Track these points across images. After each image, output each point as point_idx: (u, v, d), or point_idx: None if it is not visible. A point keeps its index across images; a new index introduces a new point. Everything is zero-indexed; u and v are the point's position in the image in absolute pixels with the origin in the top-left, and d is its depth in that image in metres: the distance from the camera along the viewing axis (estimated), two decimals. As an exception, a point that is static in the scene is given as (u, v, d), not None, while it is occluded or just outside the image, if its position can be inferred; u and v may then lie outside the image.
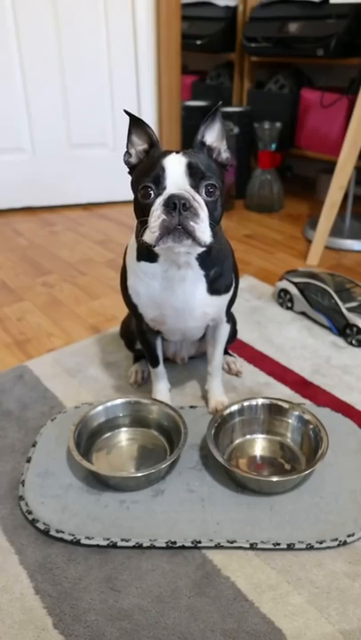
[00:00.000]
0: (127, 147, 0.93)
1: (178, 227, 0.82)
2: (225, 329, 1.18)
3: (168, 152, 0.87)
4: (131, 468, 1.07)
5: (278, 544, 0.90)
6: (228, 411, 1.12)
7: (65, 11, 2.31)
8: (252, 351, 1.46)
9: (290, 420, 1.13)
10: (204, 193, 0.85)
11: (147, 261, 0.98)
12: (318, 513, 0.95)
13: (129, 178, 0.93)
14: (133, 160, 0.92)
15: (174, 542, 0.90)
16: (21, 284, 1.90)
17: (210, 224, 0.84)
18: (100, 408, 1.14)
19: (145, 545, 0.90)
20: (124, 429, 1.16)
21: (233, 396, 1.25)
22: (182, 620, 0.79)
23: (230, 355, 1.39)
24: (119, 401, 1.16)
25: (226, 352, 1.33)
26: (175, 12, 2.45)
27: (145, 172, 0.86)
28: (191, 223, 0.82)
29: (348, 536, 0.91)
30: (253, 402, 1.15)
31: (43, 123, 2.48)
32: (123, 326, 1.36)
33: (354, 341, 1.47)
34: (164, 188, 0.83)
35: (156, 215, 0.82)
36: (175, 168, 0.84)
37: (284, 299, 1.68)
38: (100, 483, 1.02)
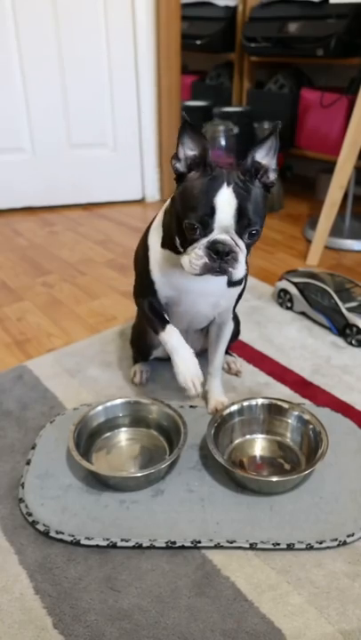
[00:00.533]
0: (177, 150, 0.87)
1: (217, 269, 0.85)
2: (230, 328, 1.19)
3: (219, 180, 0.83)
4: (130, 468, 1.07)
5: (278, 544, 0.90)
6: (227, 411, 1.12)
7: (65, 11, 2.31)
8: (251, 351, 1.46)
9: (289, 420, 1.13)
10: (246, 237, 0.86)
11: (171, 251, 0.98)
12: (318, 513, 0.95)
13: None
14: (181, 167, 0.88)
15: (174, 542, 0.90)
16: (21, 283, 1.90)
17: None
18: (99, 408, 1.14)
19: (145, 545, 0.90)
20: (123, 429, 1.16)
21: (233, 396, 1.25)
22: (182, 620, 0.79)
23: (230, 354, 1.39)
24: (119, 401, 1.16)
25: (226, 352, 1.33)
26: (175, 11, 2.45)
27: (193, 206, 0.84)
28: (230, 269, 0.85)
29: (348, 536, 0.91)
30: (253, 402, 1.15)
31: (43, 123, 2.48)
32: (134, 336, 1.35)
33: (354, 341, 1.47)
34: (211, 231, 0.84)
35: (199, 255, 0.85)
36: (224, 211, 0.82)
37: (283, 299, 1.68)
38: (99, 483, 1.02)
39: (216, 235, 0.84)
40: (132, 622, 0.79)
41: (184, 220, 0.85)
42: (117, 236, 2.34)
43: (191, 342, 1.32)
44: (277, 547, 0.89)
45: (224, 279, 1.01)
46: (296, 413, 1.12)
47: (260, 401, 1.15)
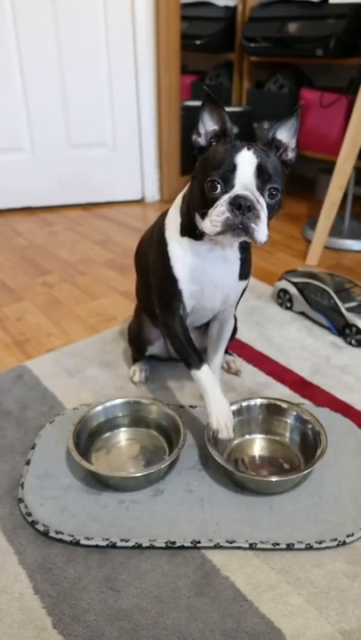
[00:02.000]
0: (198, 126, 0.90)
1: (239, 225, 0.85)
2: (231, 326, 1.19)
3: (240, 146, 0.86)
4: (130, 467, 1.07)
5: (278, 544, 0.90)
6: None
7: (64, 10, 2.31)
8: (251, 351, 1.46)
9: (288, 420, 1.13)
10: (267, 195, 0.87)
11: (191, 238, 0.99)
12: (318, 513, 0.95)
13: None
14: (202, 141, 0.90)
15: (174, 542, 0.90)
16: (21, 284, 1.90)
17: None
18: (99, 408, 1.14)
19: (144, 545, 0.90)
20: (123, 429, 1.16)
21: (232, 396, 1.25)
22: (182, 620, 0.79)
23: (230, 354, 1.39)
24: (118, 401, 1.16)
25: (225, 351, 1.33)
26: (174, 11, 2.45)
27: (215, 165, 0.86)
28: (252, 225, 0.85)
29: (348, 536, 0.91)
30: (252, 402, 1.15)
31: (42, 123, 2.48)
32: (130, 333, 1.35)
33: (353, 341, 1.48)
34: (232, 187, 0.85)
35: (220, 211, 0.85)
36: (245, 168, 0.84)
37: (283, 299, 1.68)
38: (99, 483, 1.02)
39: (238, 190, 0.85)
40: (132, 622, 0.79)
41: (205, 181, 0.86)
42: (117, 235, 2.34)
43: None
44: (277, 547, 0.90)
45: (236, 271, 1.03)
46: (295, 413, 1.12)
47: (258, 401, 1.15)
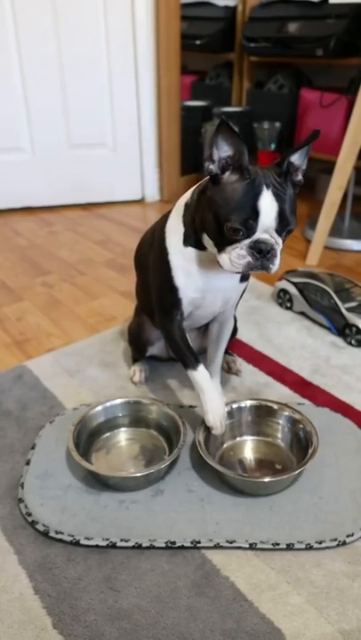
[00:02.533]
0: (211, 152, 0.87)
1: (258, 266, 0.88)
2: (230, 326, 1.20)
3: (258, 184, 0.84)
4: (130, 468, 1.07)
5: (278, 544, 0.90)
6: None
7: (64, 10, 2.31)
8: (251, 351, 1.46)
9: (280, 421, 1.13)
10: (283, 236, 0.88)
11: (194, 248, 0.99)
12: (318, 513, 0.95)
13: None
14: (215, 169, 0.87)
15: (174, 542, 0.90)
16: (21, 284, 1.90)
17: None
18: (99, 408, 1.14)
19: (144, 545, 0.90)
20: (123, 429, 1.16)
21: (232, 396, 1.25)
22: (182, 620, 0.79)
23: (230, 354, 1.39)
24: (118, 401, 1.16)
25: (225, 351, 1.33)
26: (174, 11, 2.45)
27: (235, 208, 0.85)
28: (270, 265, 0.88)
29: (348, 536, 0.91)
30: (242, 404, 1.15)
31: (42, 123, 2.48)
32: (130, 333, 1.35)
33: (353, 341, 1.48)
34: (254, 232, 0.86)
35: (241, 255, 0.87)
36: (268, 214, 0.85)
37: (283, 299, 1.68)
38: (99, 483, 1.02)
39: (258, 235, 0.86)
40: (132, 622, 0.79)
41: (226, 224, 0.86)
42: (117, 235, 2.34)
43: (190, 342, 1.32)
44: (277, 547, 0.90)
45: (237, 275, 1.04)
46: (286, 414, 1.12)
47: (248, 403, 1.15)
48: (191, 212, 0.97)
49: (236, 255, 0.87)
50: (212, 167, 0.87)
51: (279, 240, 0.88)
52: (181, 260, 1.00)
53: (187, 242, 0.99)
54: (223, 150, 0.86)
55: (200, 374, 1.05)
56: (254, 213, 0.84)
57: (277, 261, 0.89)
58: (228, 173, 0.87)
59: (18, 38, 2.30)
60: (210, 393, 1.05)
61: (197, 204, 0.96)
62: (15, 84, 2.38)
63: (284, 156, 0.89)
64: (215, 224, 0.89)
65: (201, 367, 1.05)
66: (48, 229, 2.41)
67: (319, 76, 2.73)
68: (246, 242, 0.86)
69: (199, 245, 0.97)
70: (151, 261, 1.10)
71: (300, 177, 0.92)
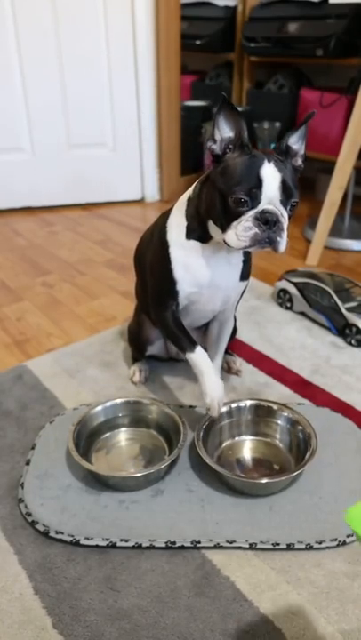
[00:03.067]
0: (213, 132, 0.88)
1: (266, 239, 0.87)
2: (230, 326, 1.20)
3: (260, 157, 0.86)
4: (130, 467, 1.07)
5: (278, 544, 0.90)
6: None
7: (64, 10, 2.31)
8: (251, 351, 1.46)
9: (278, 421, 1.13)
10: (288, 208, 0.88)
11: (197, 241, 0.99)
12: (318, 513, 0.95)
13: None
14: (217, 149, 0.89)
15: (174, 542, 0.90)
16: (21, 283, 1.90)
17: None
18: (99, 408, 1.14)
19: (144, 545, 0.90)
20: (123, 429, 1.16)
21: (232, 396, 1.25)
22: (182, 620, 0.79)
23: (230, 354, 1.39)
24: (118, 401, 1.16)
25: (226, 351, 1.33)
26: (174, 11, 2.45)
27: (238, 180, 0.86)
28: (277, 238, 0.87)
29: (348, 536, 0.91)
30: (242, 403, 1.14)
31: (42, 123, 2.48)
32: (130, 333, 1.35)
33: (353, 341, 1.48)
34: (258, 202, 0.86)
35: (247, 226, 0.86)
36: (271, 183, 0.85)
37: (283, 299, 1.68)
38: (99, 483, 1.02)
39: (264, 205, 0.86)
40: (132, 622, 0.79)
41: (230, 196, 0.86)
42: (117, 235, 2.34)
43: None
44: (277, 547, 0.90)
45: (238, 272, 1.05)
46: (285, 414, 1.12)
47: (248, 402, 1.15)
48: (194, 203, 0.98)
49: (243, 228, 0.87)
50: (215, 147, 0.89)
51: (285, 212, 0.87)
52: (182, 253, 1.00)
53: (189, 235, 1.00)
54: (225, 131, 0.88)
55: (198, 356, 1.03)
56: (258, 182, 0.85)
57: (285, 236, 0.88)
58: (229, 153, 0.89)
59: (18, 38, 2.30)
60: (209, 375, 1.03)
61: (200, 192, 0.97)
62: (15, 83, 2.38)
63: (283, 139, 0.91)
64: (220, 201, 0.89)
65: (199, 349, 1.04)
66: (48, 229, 2.41)
67: (319, 76, 2.72)
68: (252, 213, 0.86)
69: (203, 238, 0.98)
70: (149, 257, 1.10)
71: (299, 162, 0.93)
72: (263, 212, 0.85)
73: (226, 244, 0.90)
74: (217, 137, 0.89)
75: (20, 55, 2.33)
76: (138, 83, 2.53)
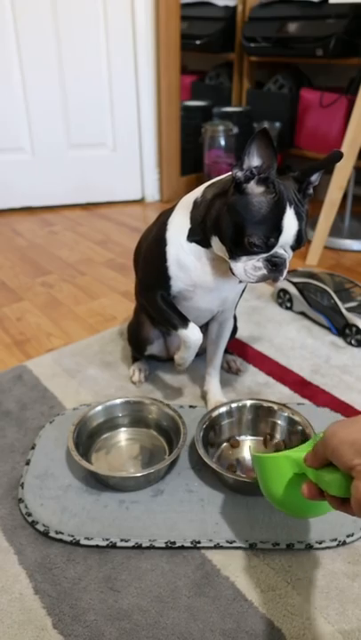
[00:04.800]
0: (242, 159, 0.85)
1: (270, 277, 0.92)
2: (230, 326, 1.20)
3: (283, 202, 0.85)
4: (130, 467, 1.07)
5: (277, 544, 0.90)
6: (216, 412, 1.12)
7: (64, 11, 2.31)
8: (251, 351, 1.46)
9: (278, 421, 1.13)
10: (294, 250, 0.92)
11: (198, 244, 1.00)
12: (318, 513, 0.95)
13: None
14: (242, 177, 0.86)
15: (174, 542, 0.90)
16: (21, 283, 1.90)
17: None
18: (99, 408, 1.14)
19: (144, 545, 0.90)
20: (123, 429, 1.16)
21: (232, 396, 1.25)
22: (182, 620, 0.79)
23: (230, 353, 1.39)
24: (118, 401, 1.16)
25: (225, 351, 1.33)
26: (174, 11, 2.45)
27: (259, 221, 0.86)
28: (280, 276, 0.92)
29: (348, 536, 0.91)
30: (241, 403, 1.14)
31: (42, 123, 2.48)
32: (130, 332, 1.35)
33: (353, 341, 1.48)
34: (272, 247, 0.88)
35: (257, 266, 0.90)
36: (289, 234, 0.88)
37: (283, 299, 1.68)
38: (99, 483, 1.02)
39: (276, 250, 0.89)
40: (132, 622, 0.79)
41: (247, 237, 0.87)
42: (117, 235, 2.34)
43: None
44: (277, 547, 0.90)
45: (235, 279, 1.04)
46: (285, 414, 1.12)
47: (248, 402, 1.15)
48: (201, 211, 0.97)
49: (252, 267, 0.90)
50: (240, 174, 0.86)
51: (291, 254, 0.91)
52: (179, 253, 1.00)
53: (191, 237, 0.99)
54: (254, 160, 0.85)
55: (191, 330, 1.05)
56: (277, 232, 0.86)
57: (285, 272, 0.93)
58: (252, 183, 0.86)
59: (18, 38, 2.30)
60: (193, 350, 1.08)
61: (210, 204, 0.96)
62: (15, 83, 2.38)
63: (305, 174, 0.90)
64: (234, 233, 0.89)
65: (192, 324, 1.05)
66: (48, 229, 2.41)
67: (319, 76, 2.72)
68: (264, 255, 0.89)
69: (203, 243, 0.98)
70: (144, 252, 1.10)
71: (311, 191, 0.95)
72: (274, 256, 0.89)
73: (231, 271, 0.93)
74: (245, 165, 0.85)
75: (19, 55, 2.33)
76: (138, 83, 2.53)
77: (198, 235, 0.98)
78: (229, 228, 0.90)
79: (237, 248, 0.90)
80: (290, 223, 0.87)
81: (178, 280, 1.02)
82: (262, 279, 0.92)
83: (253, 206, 0.86)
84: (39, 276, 1.95)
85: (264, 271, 0.90)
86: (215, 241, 0.95)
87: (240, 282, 1.06)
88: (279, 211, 0.85)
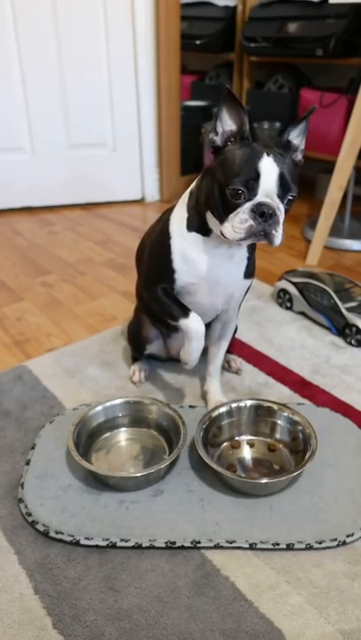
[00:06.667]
0: (215, 124, 0.89)
1: (261, 232, 0.87)
2: (233, 325, 1.20)
3: (259, 150, 0.86)
4: (130, 467, 1.07)
5: (278, 544, 0.90)
6: (216, 412, 1.12)
7: (64, 11, 2.31)
8: (251, 351, 1.46)
9: (278, 421, 1.13)
10: (285, 203, 0.89)
11: (198, 234, 1.00)
12: (318, 513, 0.95)
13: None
14: (219, 141, 0.90)
15: (174, 542, 0.90)
16: (21, 283, 1.90)
17: None
18: (99, 408, 1.14)
19: (144, 545, 0.90)
20: (123, 429, 1.16)
21: (232, 396, 1.25)
22: (182, 620, 0.79)
23: (230, 353, 1.39)
24: (118, 401, 1.16)
25: (226, 350, 1.33)
26: (174, 11, 2.45)
27: (236, 172, 0.86)
28: (273, 231, 0.87)
29: (348, 536, 0.91)
30: (242, 403, 1.14)
31: (42, 123, 2.48)
32: (130, 332, 1.35)
33: (353, 341, 1.48)
34: (255, 195, 0.86)
35: (243, 219, 0.87)
36: (269, 176, 0.86)
37: (283, 299, 1.68)
38: (99, 483, 1.02)
39: (260, 198, 0.86)
40: (132, 622, 0.79)
41: (227, 187, 0.87)
42: (117, 235, 2.34)
43: None
44: (277, 547, 0.90)
45: (241, 270, 1.04)
46: (285, 414, 1.12)
47: (248, 402, 1.15)
48: (195, 195, 0.99)
49: (239, 220, 0.87)
50: (216, 139, 0.90)
51: (281, 206, 0.87)
52: (183, 245, 1.01)
53: (190, 227, 1.00)
54: (227, 123, 0.89)
55: (192, 320, 1.03)
56: (255, 175, 0.85)
57: (280, 230, 0.88)
58: (230, 144, 0.89)
59: (18, 38, 2.30)
60: (198, 341, 1.04)
61: (200, 184, 0.98)
62: (15, 83, 2.38)
63: (284, 133, 0.91)
64: (218, 192, 0.89)
65: (193, 314, 1.03)
66: (48, 229, 2.41)
67: (319, 76, 2.72)
68: (248, 205, 0.86)
69: (203, 230, 0.98)
70: (149, 244, 1.11)
71: (300, 157, 0.94)
72: (259, 205, 0.85)
73: (223, 235, 0.91)
74: (219, 129, 0.90)
75: (19, 55, 2.33)
76: (138, 83, 2.53)
77: (196, 222, 0.99)
78: (214, 190, 0.90)
79: (225, 208, 0.89)
80: (268, 166, 0.85)
81: (182, 273, 1.02)
82: (251, 232, 0.87)
83: (229, 160, 0.88)
84: (39, 276, 1.95)
85: (251, 222, 0.86)
86: (209, 218, 0.95)
87: (245, 278, 1.06)
88: (255, 156, 0.86)
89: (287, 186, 0.87)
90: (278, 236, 0.88)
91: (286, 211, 0.89)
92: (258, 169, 0.85)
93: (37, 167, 2.55)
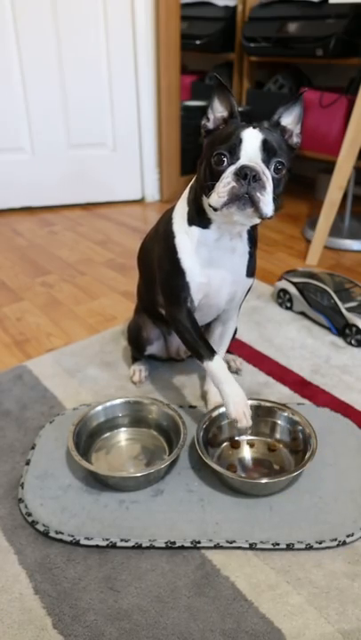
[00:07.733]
0: (207, 111, 0.94)
1: (245, 195, 0.85)
2: (233, 325, 1.20)
3: (246, 125, 0.89)
4: (130, 468, 1.07)
5: (278, 544, 0.90)
6: (216, 412, 1.12)
7: (64, 11, 2.31)
8: (251, 351, 1.46)
9: (278, 421, 1.13)
10: (273, 169, 0.88)
11: (199, 227, 1.00)
12: (318, 513, 0.95)
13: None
14: (210, 126, 0.94)
15: (174, 542, 0.90)
16: (21, 283, 1.90)
17: (273, 198, 0.88)
18: (99, 408, 1.14)
19: (144, 545, 0.90)
20: (123, 429, 1.16)
21: (232, 396, 1.25)
22: (182, 620, 0.79)
23: (230, 352, 1.39)
24: (118, 401, 1.16)
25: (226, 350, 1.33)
26: (174, 11, 2.45)
27: (222, 140, 0.89)
28: (258, 194, 0.85)
29: (348, 536, 0.91)
30: None
31: (42, 123, 2.48)
32: (130, 332, 1.34)
33: (353, 341, 1.48)
34: (238, 159, 0.87)
35: (226, 182, 0.86)
36: (251, 142, 0.87)
37: (283, 299, 1.68)
38: (99, 483, 1.02)
39: (243, 161, 0.86)
40: (132, 622, 0.79)
41: (212, 156, 0.88)
42: (117, 235, 2.34)
43: None
44: (277, 547, 0.90)
45: (244, 265, 1.04)
46: (285, 414, 1.12)
47: (248, 402, 1.14)
48: (194, 188, 1.01)
49: (223, 184, 0.87)
50: (208, 124, 0.94)
51: (267, 172, 0.86)
52: (187, 240, 1.01)
53: (191, 221, 1.01)
54: (218, 110, 0.93)
55: (217, 364, 1.00)
56: (238, 140, 0.87)
57: (268, 197, 0.86)
58: (221, 127, 0.93)
59: (18, 38, 2.30)
60: (230, 383, 0.99)
61: (195, 180, 1.00)
62: (15, 83, 2.38)
63: (274, 114, 0.93)
64: (206, 166, 0.91)
65: (217, 357, 1.01)
66: (48, 229, 2.41)
67: (319, 76, 2.73)
68: (231, 168, 0.86)
69: (203, 223, 0.99)
70: (157, 251, 1.10)
71: (295, 140, 0.95)
72: (242, 168, 0.85)
73: (211, 207, 0.90)
74: (210, 116, 0.94)
75: (20, 55, 2.33)
76: (138, 83, 2.53)
77: (196, 214, 0.99)
78: (203, 166, 0.93)
79: (211, 177, 0.89)
80: (252, 134, 0.86)
81: (193, 272, 1.02)
82: (234, 195, 0.85)
83: (217, 133, 0.92)
84: (39, 276, 1.95)
85: (233, 183, 0.85)
86: (205, 203, 0.95)
87: (248, 276, 1.06)
88: (240, 127, 0.88)
89: (273, 151, 0.87)
90: (266, 202, 0.86)
91: (278, 181, 0.88)
92: (241, 135, 0.87)
93: (37, 167, 2.55)
